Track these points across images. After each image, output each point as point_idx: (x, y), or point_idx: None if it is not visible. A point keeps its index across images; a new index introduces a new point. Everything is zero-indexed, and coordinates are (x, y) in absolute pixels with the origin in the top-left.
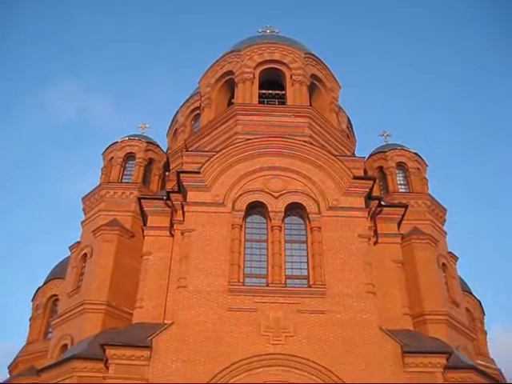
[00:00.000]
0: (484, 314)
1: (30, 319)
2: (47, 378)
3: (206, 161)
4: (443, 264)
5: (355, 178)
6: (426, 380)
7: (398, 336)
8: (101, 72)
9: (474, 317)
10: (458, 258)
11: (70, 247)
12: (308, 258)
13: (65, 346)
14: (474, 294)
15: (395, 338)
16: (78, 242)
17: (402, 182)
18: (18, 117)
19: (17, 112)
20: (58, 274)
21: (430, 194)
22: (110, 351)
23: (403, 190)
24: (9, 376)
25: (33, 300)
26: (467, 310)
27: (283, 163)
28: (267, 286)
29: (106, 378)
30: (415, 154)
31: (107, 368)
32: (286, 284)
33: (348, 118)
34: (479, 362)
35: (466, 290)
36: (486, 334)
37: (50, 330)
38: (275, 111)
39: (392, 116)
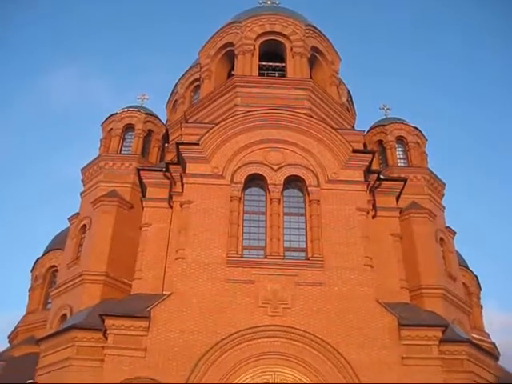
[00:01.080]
0: (480, 289)
1: (30, 290)
2: (46, 348)
3: (206, 132)
4: (441, 238)
5: (354, 151)
6: (421, 352)
7: (394, 309)
8: (101, 52)
9: (470, 291)
10: (455, 232)
11: (69, 218)
12: (306, 231)
13: (64, 316)
14: (470, 268)
15: (392, 310)
16: (77, 214)
17: (401, 156)
18: (20, 101)
19: (18, 96)
20: (57, 245)
21: (429, 169)
22: (108, 321)
23: (402, 164)
24: (9, 345)
25: (32, 271)
26: (464, 284)
27: (283, 136)
28: (265, 258)
29: (105, 348)
30: (415, 128)
31: (106, 338)
32: (284, 256)
33: (348, 91)
34: (474, 335)
35: (463, 264)
36: (481, 308)
37: (50, 300)
38: (275, 83)
39: (392, 89)
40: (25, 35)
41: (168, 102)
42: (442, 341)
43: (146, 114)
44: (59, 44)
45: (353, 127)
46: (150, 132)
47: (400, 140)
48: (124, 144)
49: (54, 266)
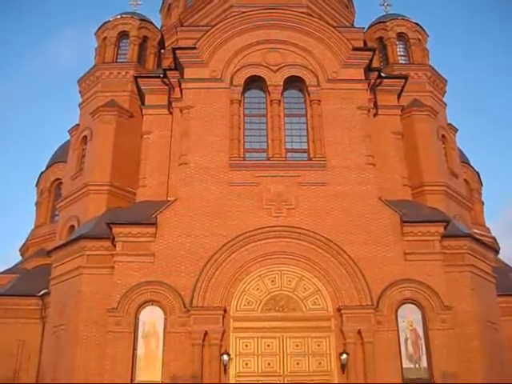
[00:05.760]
0: (482, 185)
1: (36, 204)
2: (57, 258)
3: (202, 36)
4: (443, 136)
5: (354, 49)
6: (423, 248)
7: (397, 206)
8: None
9: (471, 187)
10: (457, 129)
11: (69, 130)
12: (308, 132)
13: (72, 227)
14: (472, 165)
15: (394, 208)
16: (77, 125)
17: (402, 54)
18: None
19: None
20: (59, 157)
21: (430, 65)
22: (116, 229)
23: (403, 62)
24: (21, 258)
25: (37, 185)
26: (465, 180)
27: (281, 36)
28: (268, 160)
29: (114, 256)
30: (416, 24)
31: (115, 246)
32: (286, 157)
33: None
34: (475, 230)
35: (465, 161)
36: (482, 204)
37: (56, 212)
38: None
39: None
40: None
41: (162, 7)
42: (444, 236)
43: (140, 20)
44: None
45: (352, 25)
46: (145, 38)
47: (401, 37)
48: (119, 52)
49: (58, 179)
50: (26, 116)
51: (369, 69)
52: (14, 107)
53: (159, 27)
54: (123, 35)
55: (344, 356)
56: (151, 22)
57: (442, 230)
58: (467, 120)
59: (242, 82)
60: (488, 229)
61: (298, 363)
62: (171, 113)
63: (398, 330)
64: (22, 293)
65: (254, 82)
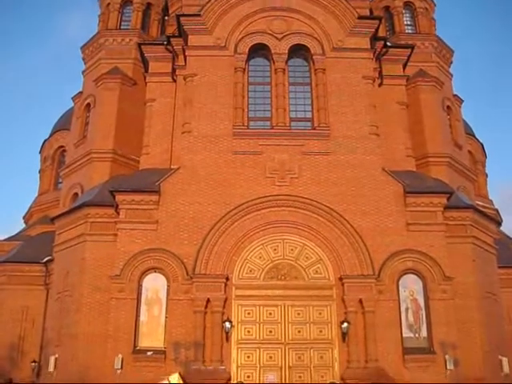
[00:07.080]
0: (486, 157)
1: (40, 171)
2: (61, 225)
3: (207, 3)
4: (448, 107)
5: (360, 17)
6: (426, 219)
7: (400, 177)
8: None
9: (475, 159)
10: (462, 100)
11: (72, 98)
12: (312, 100)
13: (75, 194)
14: (477, 136)
15: (398, 178)
16: (81, 92)
17: (408, 23)
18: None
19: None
20: (63, 125)
21: (437, 35)
22: (119, 197)
23: (410, 31)
24: (24, 226)
25: (40, 152)
26: (470, 152)
27: (286, 3)
28: (272, 128)
29: (117, 223)
30: None
31: (118, 213)
32: (290, 126)
33: None
34: (478, 202)
35: (470, 132)
36: (486, 176)
37: (60, 180)
38: None
39: None
40: None
41: None
42: (447, 207)
43: None
44: None
45: None
46: (148, 5)
47: (408, 5)
48: (123, 19)
49: (61, 147)
50: (30, 84)
51: (374, 38)
52: (18, 77)
53: None
54: (127, 1)
55: (345, 324)
56: None
57: (444, 201)
58: (473, 92)
59: (247, 50)
60: (491, 201)
61: (299, 331)
62: (175, 80)
63: (398, 300)
64: (26, 259)
65: (259, 50)
